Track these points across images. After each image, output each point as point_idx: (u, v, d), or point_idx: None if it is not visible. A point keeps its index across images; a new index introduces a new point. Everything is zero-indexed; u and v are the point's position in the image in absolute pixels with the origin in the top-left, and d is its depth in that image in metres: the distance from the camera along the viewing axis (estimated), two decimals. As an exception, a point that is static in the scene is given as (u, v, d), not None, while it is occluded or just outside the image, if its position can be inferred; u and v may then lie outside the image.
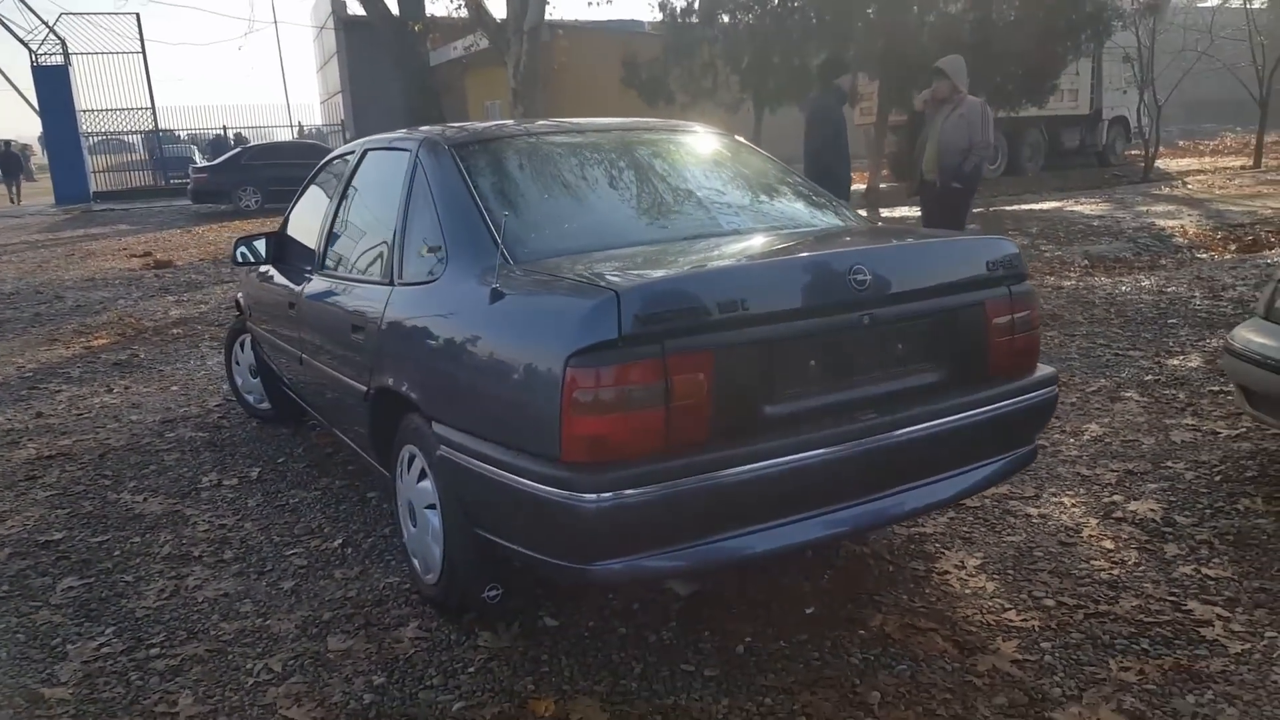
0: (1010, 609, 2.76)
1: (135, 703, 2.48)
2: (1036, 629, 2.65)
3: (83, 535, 3.58)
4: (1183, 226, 11.07)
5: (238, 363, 4.99)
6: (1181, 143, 27.41)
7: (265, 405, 4.88)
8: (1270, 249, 9.24)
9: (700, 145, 3.40)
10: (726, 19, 14.40)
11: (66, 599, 3.07)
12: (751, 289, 2.20)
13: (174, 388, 5.75)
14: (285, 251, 4.12)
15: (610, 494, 2.03)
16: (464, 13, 17.97)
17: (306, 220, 4.02)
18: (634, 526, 2.09)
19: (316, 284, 3.51)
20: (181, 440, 4.70)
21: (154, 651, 2.73)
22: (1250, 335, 3.52)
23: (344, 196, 3.52)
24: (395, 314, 2.79)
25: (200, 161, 23.78)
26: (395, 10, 21.39)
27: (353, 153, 3.65)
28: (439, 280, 2.63)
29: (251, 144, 22.15)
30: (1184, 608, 2.72)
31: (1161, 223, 11.49)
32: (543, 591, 2.86)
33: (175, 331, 7.51)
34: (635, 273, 2.26)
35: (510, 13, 17.09)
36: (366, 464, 3.81)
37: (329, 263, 3.49)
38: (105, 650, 2.75)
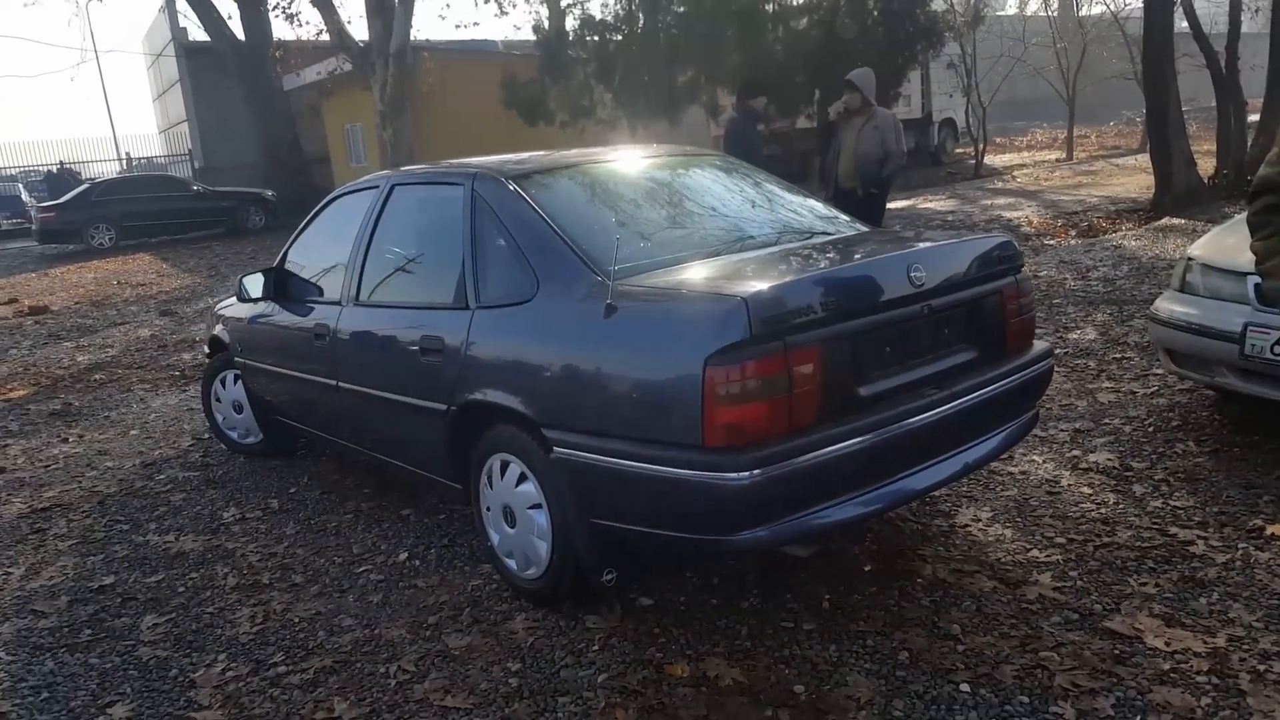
0: (1032, 549, 3.25)
1: (293, 713, 2.63)
2: (1060, 562, 3.14)
3: (135, 576, 3.60)
4: (1027, 217, 12.22)
5: (218, 399, 4.99)
6: (998, 139, 29.73)
7: (251, 440, 4.92)
8: (1105, 233, 10.36)
9: (714, 167, 3.76)
10: (596, 39, 14.82)
11: (158, 635, 3.13)
12: (844, 290, 2.59)
13: (133, 432, 5.64)
14: (289, 288, 4.23)
15: (752, 472, 2.37)
16: (324, 37, 17.72)
17: (319, 257, 4.15)
18: (771, 499, 2.43)
19: (355, 315, 3.66)
20: (176, 481, 4.68)
21: (281, 670, 2.86)
22: (1172, 306, 4.17)
23: (374, 231, 3.69)
24: (484, 334, 3.02)
25: (29, 200, 22.31)
26: (241, 36, 20.87)
27: (374, 188, 3.81)
28: (533, 301, 2.88)
29: (101, 179, 20.98)
30: (1168, 533, 3.28)
31: (1007, 214, 12.63)
32: (628, 575, 3.14)
33: (97, 378, 7.27)
34: (744, 282, 2.59)
35: (374, 36, 16.99)
36: (388, 484, 4.03)
37: (367, 294, 3.65)
38: (230, 674, 2.86)
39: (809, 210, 3.59)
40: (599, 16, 14.97)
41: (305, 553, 3.70)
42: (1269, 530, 3.21)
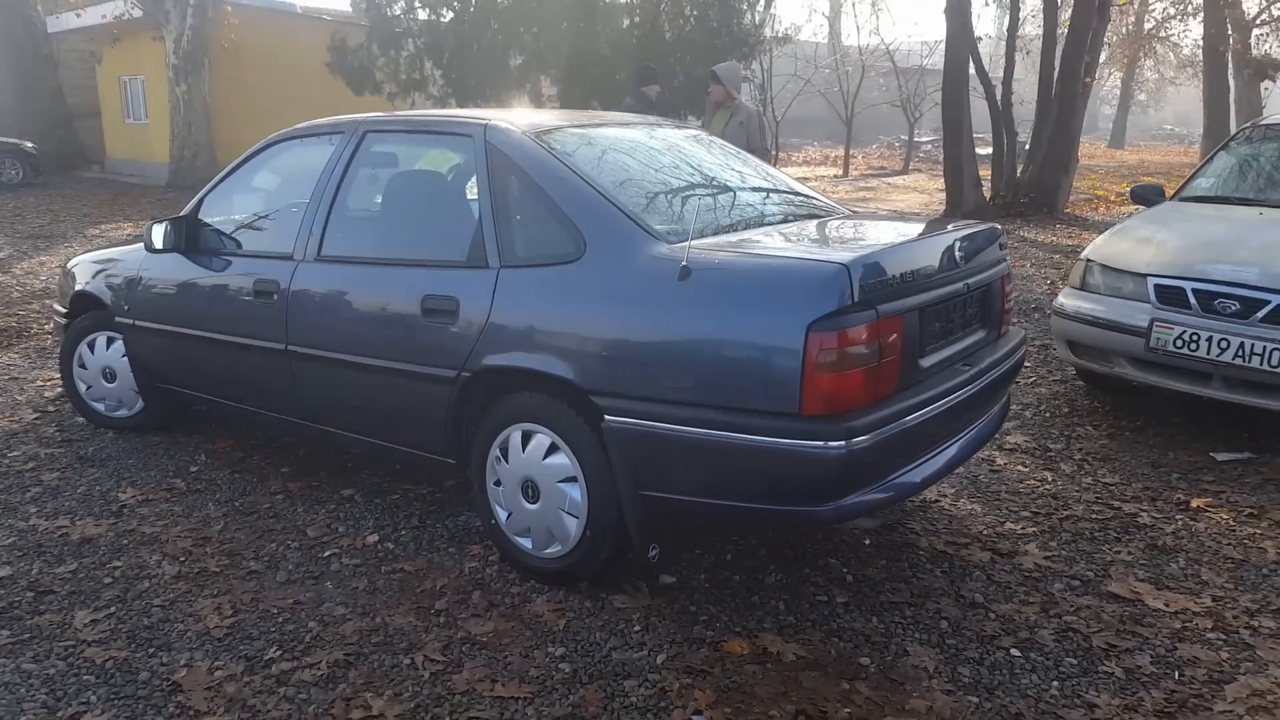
0: (1005, 521, 3.43)
1: (322, 714, 2.31)
2: (1036, 533, 3.34)
3: (39, 566, 3.04)
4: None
5: (83, 366, 4.33)
6: (779, 154, 31.34)
7: (124, 412, 4.32)
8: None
9: (696, 139, 3.68)
10: (426, 14, 14.25)
11: (104, 633, 2.66)
12: (919, 262, 2.63)
13: (-51, 402, 4.79)
14: (206, 240, 3.75)
15: (852, 440, 2.34)
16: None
17: (254, 207, 3.71)
18: (863, 468, 2.42)
19: (318, 271, 3.28)
20: (39, 458, 4.01)
21: (285, 666, 2.51)
22: (1076, 302, 4.55)
23: (341, 181, 3.33)
24: (515, 295, 2.79)
25: None
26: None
27: (336, 134, 3.44)
28: (581, 261, 2.70)
29: None
30: (1113, 506, 3.57)
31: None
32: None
33: None
34: (833, 249, 2.56)
35: (170, -20, 15.50)
36: (308, 462, 3.77)
37: (335, 248, 3.28)
38: (221, 673, 2.48)
39: (792, 184, 3.62)
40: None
41: (247, 536, 3.28)
42: (1194, 503, 3.58)
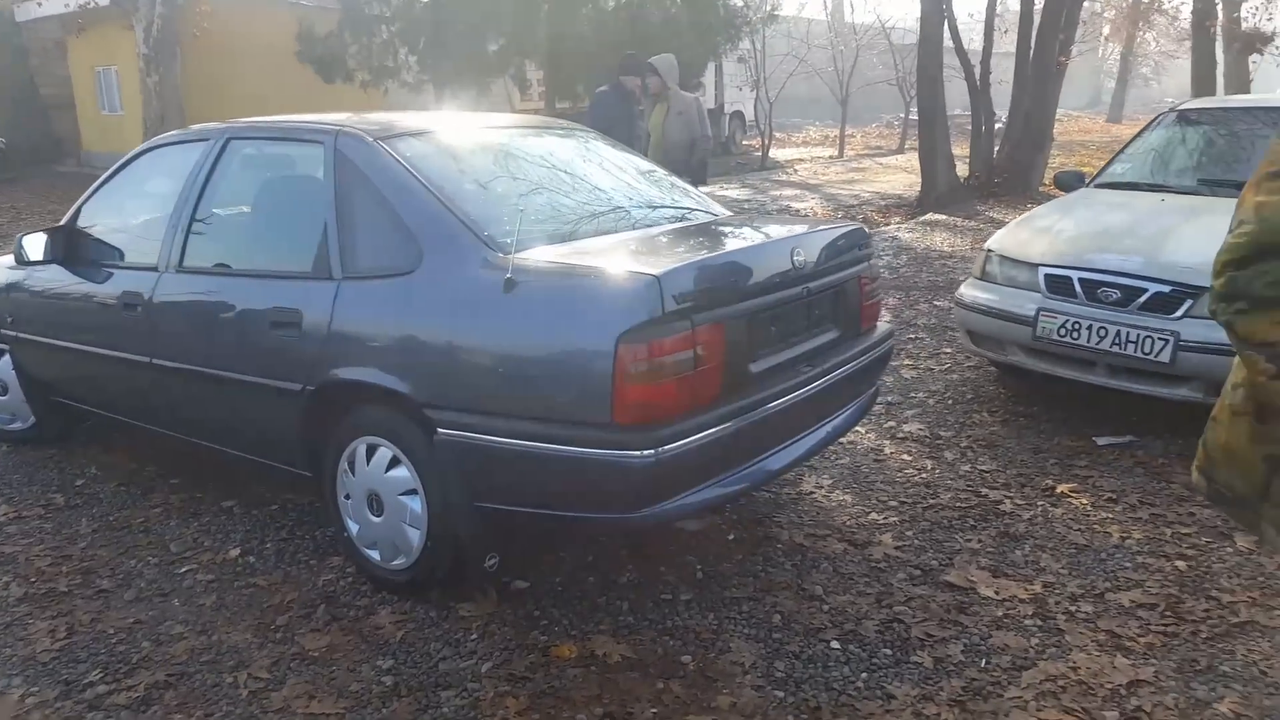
0: (871, 512, 3.46)
1: (129, 735, 2.34)
2: (897, 523, 3.36)
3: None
4: (812, 209, 12.90)
5: (-25, 382, 4.34)
6: (778, 134, 31.17)
7: (18, 425, 4.32)
8: (880, 226, 11.08)
9: (582, 140, 3.68)
10: (401, -1, 14.08)
11: (-71, 660, 2.68)
12: (744, 270, 2.65)
13: None
14: (83, 250, 3.75)
15: (662, 449, 2.35)
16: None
17: (126, 215, 3.70)
18: (676, 474, 2.43)
19: (178, 282, 3.28)
20: (-77, 478, 4.02)
21: (100, 690, 2.51)
22: (974, 292, 4.56)
23: (204, 190, 3.32)
24: (354, 307, 2.79)
25: None
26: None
27: (202, 141, 3.42)
28: (416, 273, 2.70)
29: None
30: (980, 494, 3.59)
31: (795, 205, 13.24)
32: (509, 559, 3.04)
33: None
34: (651, 260, 2.56)
35: (138, -33, 15.31)
36: (200, 473, 3.76)
37: (195, 259, 3.29)
38: (33, 700, 2.48)
39: (675, 188, 3.61)
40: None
41: (110, 554, 3.29)
42: (1059, 489, 3.61)
